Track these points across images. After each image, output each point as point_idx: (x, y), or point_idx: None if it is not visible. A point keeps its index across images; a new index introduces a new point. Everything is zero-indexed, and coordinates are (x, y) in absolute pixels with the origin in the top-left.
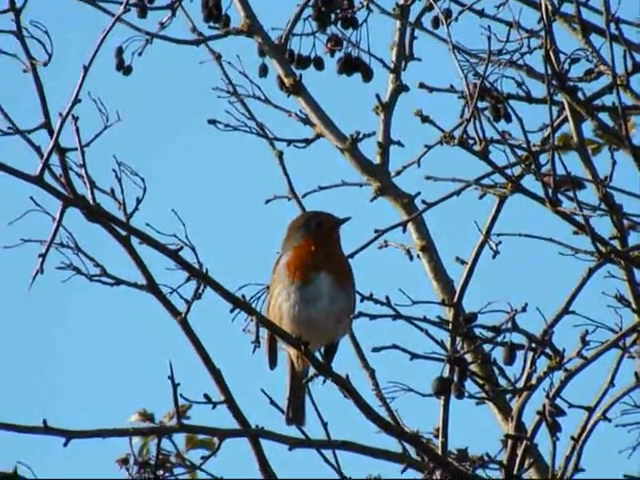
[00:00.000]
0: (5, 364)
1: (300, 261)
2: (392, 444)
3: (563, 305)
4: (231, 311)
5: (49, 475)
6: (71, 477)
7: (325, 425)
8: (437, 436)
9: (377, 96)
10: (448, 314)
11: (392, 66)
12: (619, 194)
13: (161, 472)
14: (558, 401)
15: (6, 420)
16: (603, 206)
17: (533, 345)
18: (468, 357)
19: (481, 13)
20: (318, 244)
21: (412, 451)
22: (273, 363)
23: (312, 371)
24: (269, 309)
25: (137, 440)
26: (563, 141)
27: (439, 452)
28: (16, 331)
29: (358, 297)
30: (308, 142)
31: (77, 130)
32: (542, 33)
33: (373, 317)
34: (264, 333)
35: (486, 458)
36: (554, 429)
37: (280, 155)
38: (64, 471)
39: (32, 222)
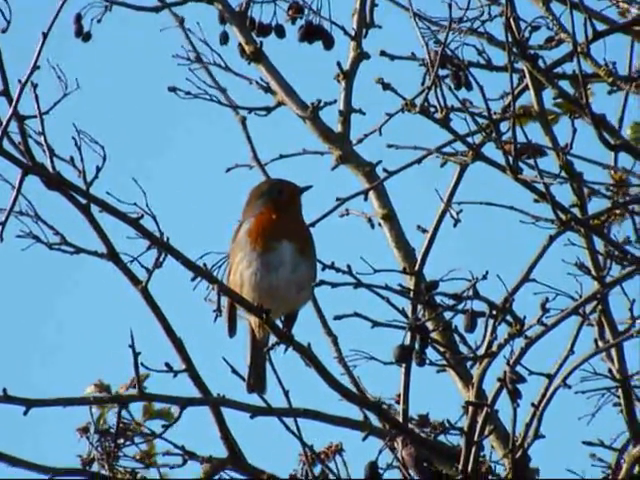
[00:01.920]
0: None
1: (262, 229)
2: (354, 412)
3: (524, 273)
4: (192, 280)
5: (9, 444)
6: (31, 446)
7: (287, 393)
8: (398, 402)
9: (338, 64)
10: (409, 282)
11: (353, 34)
12: (579, 162)
13: (121, 440)
14: (518, 368)
15: None
16: (563, 174)
17: (494, 312)
18: (429, 325)
19: None
20: (280, 212)
21: (374, 419)
22: (232, 331)
23: (273, 339)
24: (229, 277)
25: (94, 410)
26: (523, 110)
27: (400, 419)
28: None
29: (320, 265)
30: (269, 110)
31: (36, 97)
32: (503, 0)
33: (334, 285)
34: (225, 301)
35: (447, 425)
36: (514, 396)
37: (243, 121)
38: (24, 440)
39: None
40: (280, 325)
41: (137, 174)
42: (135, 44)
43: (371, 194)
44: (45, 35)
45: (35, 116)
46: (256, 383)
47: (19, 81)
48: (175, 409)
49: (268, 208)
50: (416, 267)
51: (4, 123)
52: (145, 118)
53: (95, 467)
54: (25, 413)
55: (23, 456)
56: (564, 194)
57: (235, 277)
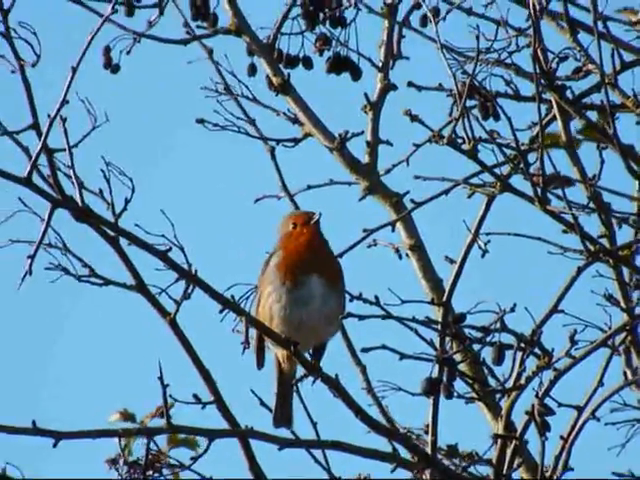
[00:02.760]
0: None
1: (290, 263)
2: (382, 444)
3: (552, 304)
4: (220, 311)
5: (38, 476)
6: (60, 478)
7: (315, 425)
8: (427, 432)
9: (365, 95)
10: (437, 313)
11: (380, 65)
12: (607, 193)
13: (150, 472)
14: (547, 400)
15: None
16: (592, 205)
17: (522, 345)
18: (457, 357)
19: (469, 11)
20: (300, 244)
21: (402, 450)
22: (261, 363)
23: (301, 371)
24: (258, 309)
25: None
26: (551, 140)
27: (429, 450)
28: (3, 332)
29: (347, 297)
30: (297, 141)
31: (65, 131)
32: (530, 31)
33: (362, 317)
34: (254, 333)
35: (476, 457)
36: (543, 429)
37: (272, 151)
38: (53, 472)
39: (20, 223)
40: (308, 357)
41: (165, 205)
42: (164, 76)
43: (399, 225)
44: (74, 69)
45: (64, 149)
46: (283, 417)
47: (48, 115)
48: (201, 438)
49: (289, 241)
50: (444, 298)
51: (34, 157)
52: (173, 150)
53: None
54: (54, 445)
55: None
56: (592, 225)
57: (264, 310)
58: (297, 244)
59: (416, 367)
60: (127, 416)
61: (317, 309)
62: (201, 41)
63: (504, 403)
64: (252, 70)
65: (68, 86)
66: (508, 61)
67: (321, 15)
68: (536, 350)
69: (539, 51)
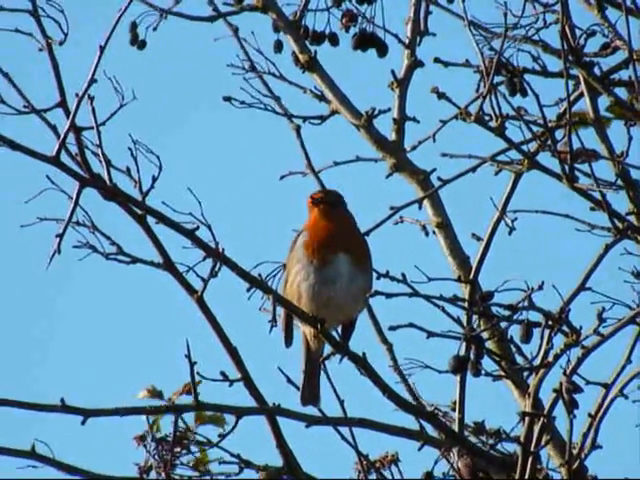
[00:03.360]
0: (21, 343)
1: (317, 242)
2: (409, 421)
3: (580, 282)
4: (248, 290)
5: (67, 453)
6: (88, 455)
7: (342, 403)
8: (455, 409)
9: (392, 72)
10: (464, 291)
11: (407, 41)
12: (635, 170)
13: (178, 449)
14: (575, 378)
15: (22, 398)
16: (619, 182)
17: (550, 322)
18: (485, 335)
19: None
20: (323, 222)
21: (429, 428)
22: (289, 341)
23: (328, 349)
24: (286, 287)
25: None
26: (579, 117)
27: (456, 428)
28: (34, 310)
29: (375, 274)
30: (323, 119)
31: (93, 110)
32: (558, 7)
33: (389, 295)
34: (281, 311)
35: (503, 434)
36: (571, 406)
37: (298, 129)
38: (81, 448)
39: (49, 201)
40: (336, 335)
41: (192, 183)
42: (190, 53)
43: (425, 202)
44: (102, 48)
45: (92, 127)
46: (310, 395)
47: (76, 95)
48: (229, 416)
49: (313, 220)
50: (471, 275)
51: (62, 135)
52: (200, 127)
53: (152, 475)
54: (83, 423)
55: (81, 465)
56: (620, 202)
57: (292, 288)
58: (320, 225)
59: (443, 345)
60: (155, 393)
61: (344, 287)
62: (226, 19)
63: (532, 381)
64: (278, 47)
65: (96, 65)
66: (535, 37)
67: None
68: (564, 328)
69: (567, 27)
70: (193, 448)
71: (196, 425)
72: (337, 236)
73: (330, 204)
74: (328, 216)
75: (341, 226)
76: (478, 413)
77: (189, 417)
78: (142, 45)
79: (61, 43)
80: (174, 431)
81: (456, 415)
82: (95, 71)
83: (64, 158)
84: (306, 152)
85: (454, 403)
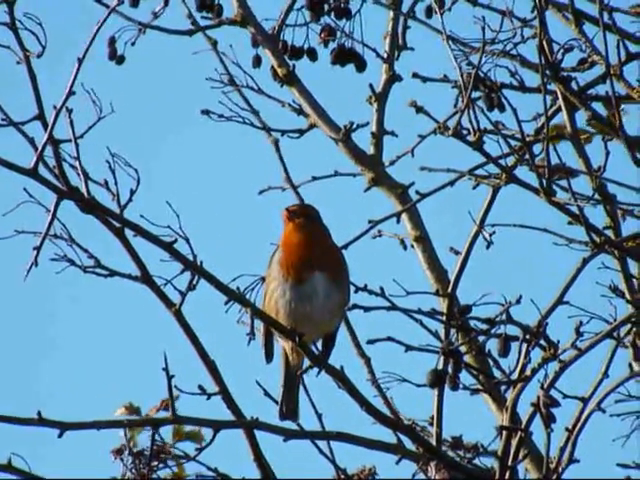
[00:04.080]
0: None
1: (291, 259)
2: (387, 435)
3: (557, 296)
4: (225, 303)
5: (43, 466)
6: (65, 468)
7: (320, 416)
8: (432, 424)
9: (370, 86)
10: (442, 304)
11: (385, 56)
12: (612, 184)
13: (155, 463)
14: (552, 392)
15: None
16: (597, 196)
17: (527, 337)
18: (463, 348)
19: (474, 2)
20: (298, 241)
21: (407, 441)
22: (269, 356)
23: (307, 363)
24: (265, 301)
25: (126, 431)
26: (556, 131)
27: (434, 442)
28: (9, 323)
29: (352, 288)
30: (302, 132)
31: (71, 122)
32: (535, 22)
33: (368, 309)
34: (259, 325)
35: (480, 448)
36: (548, 420)
37: (276, 143)
38: (58, 462)
39: (26, 213)
40: (315, 349)
41: (171, 197)
42: (169, 67)
43: (404, 216)
44: (80, 60)
45: (70, 140)
46: (289, 410)
47: (54, 107)
48: (206, 431)
49: (285, 236)
50: (449, 289)
51: (40, 148)
52: (179, 141)
53: None
54: (60, 436)
55: (58, 478)
56: (597, 216)
57: (270, 304)
58: (294, 240)
59: (421, 359)
60: (132, 410)
61: (320, 304)
62: (205, 33)
63: (509, 395)
64: (257, 61)
65: (74, 77)
66: (513, 52)
67: (326, 6)
68: (541, 342)
69: (544, 42)
70: (170, 462)
71: (174, 441)
72: (312, 252)
73: (305, 217)
74: (303, 230)
75: (316, 241)
76: (456, 427)
77: (167, 434)
78: (121, 60)
79: (39, 56)
80: (151, 445)
81: (434, 429)
82: (73, 83)
83: (42, 171)
84: (285, 166)
85: (432, 418)
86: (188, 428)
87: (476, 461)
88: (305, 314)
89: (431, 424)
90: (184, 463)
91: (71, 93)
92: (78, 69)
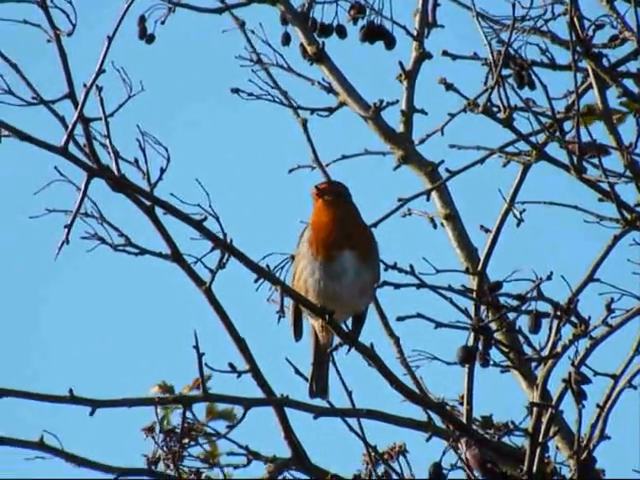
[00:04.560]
0: (31, 334)
1: (321, 237)
2: (417, 412)
3: (588, 273)
4: (255, 281)
5: (74, 444)
6: (96, 446)
7: (350, 394)
8: (462, 403)
9: (400, 64)
10: (472, 282)
11: (415, 33)
12: None
13: (186, 440)
14: (583, 369)
15: (31, 389)
16: (628, 173)
17: (558, 313)
18: (493, 325)
19: None
20: (328, 218)
21: (437, 419)
22: (298, 334)
23: (337, 340)
24: (294, 280)
25: (159, 410)
26: (588, 108)
27: (464, 420)
28: (41, 302)
29: (382, 266)
30: (331, 111)
31: (101, 100)
32: None
33: (397, 286)
34: (289, 303)
35: (511, 426)
36: (579, 397)
37: (304, 123)
38: (90, 440)
39: (57, 192)
40: (345, 328)
41: (200, 175)
42: (198, 46)
43: (433, 194)
44: (110, 38)
45: (100, 118)
46: (319, 388)
47: (84, 85)
48: (238, 410)
49: (315, 213)
50: (479, 267)
51: (70, 126)
52: (207, 120)
53: (161, 467)
54: (91, 414)
55: (89, 456)
56: (629, 193)
57: (299, 283)
58: (323, 218)
59: (451, 339)
60: (166, 389)
61: (350, 282)
62: (232, 12)
63: (540, 372)
64: (286, 39)
65: (104, 55)
66: (544, 29)
67: None
68: (572, 318)
69: (575, 19)
70: (201, 440)
71: (207, 420)
72: (340, 231)
73: (334, 195)
74: (332, 208)
75: (345, 219)
76: (486, 407)
77: (200, 412)
78: (151, 39)
79: (69, 34)
80: (182, 422)
81: (464, 407)
82: (103, 62)
83: (72, 149)
84: (313, 146)
85: (461, 397)
86: (221, 407)
87: (506, 440)
88: (334, 293)
89: (461, 403)
90: (215, 441)
91: (101, 71)
92: (108, 47)
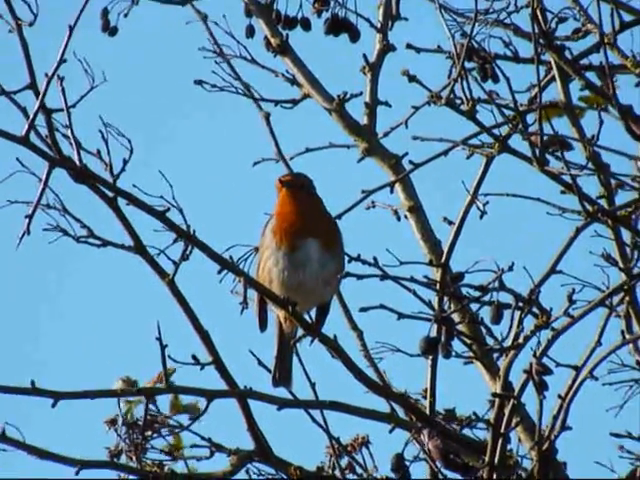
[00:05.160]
0: None
1: (284, 227)
2: (380, 404)
3: (550, 264)
4: (219, 272)
5: (36, 436)
6: (58, 438)
7: (313, 385)
8: (425, 397)
9: (364, 56)
10: (436, 274)
11: (379, 26)
12: (606, 153)
13: (149, 433)
14: (545, 360)
15: None
16: (590, 165)
17: (520, 304)
18: (455, 317)
19: None
20: (291, 209)
21: (400, 411)
22: (263, 325)
23: (300, 332)
24: (258, 271)
25: (122, 404)
26: (550, 102)
27: (427, 412)
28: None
29: (346, 258)
30: (295, 103)
31: (63, 91)
32: None
33: (360, 277)
34: (253, 295)
35: (473, 417)
36: (541, 388)
37: (267, 117)
38: (51, 432)
39: (18, 183)
40: (308, 318)
41: (163, 167)
42: (161, 38)
43: (397, 186)
44: (72, 28)
45: (62, 109)
46: (282, 377)
47: (46, 75)
48: (202, 403)
49: (279, 204)
50: (442, 259)
51: (31, 116)
52: (170, 111)
53: (123, 459)
54: (53, 405)
55: (51, 448)
56: (591, 186)
57: (264, 273)
58: (287, 208)
59: (414, 331)
60: (129, 383)
61: (314, 272)
62: (194, 5)
63: (502, 362)
64: (250, 31)
65: (65, 45)
66: (507, 22)
67: None
68: (534, 309)
69: (538, 11)
70: (164, 432)
71: (172, 414)
72: (305, 220)
73: (297, 187)
74: (296, 199)
75: (309, 209)
76: (449, 399)
77: (164, 406)
78: (114, 32)
79: (31, 24)
80: (145, 415)
81: (427, 399)
82: (64, 51)
83: (34, 140)
84: (276, 140)
85: (425, 391)
86: (185, 401)
87: (469, 432)
88: (298, 282)
89: (424, 397)
90: (178, 433)
91: (62, 61)
92: (69, 37)
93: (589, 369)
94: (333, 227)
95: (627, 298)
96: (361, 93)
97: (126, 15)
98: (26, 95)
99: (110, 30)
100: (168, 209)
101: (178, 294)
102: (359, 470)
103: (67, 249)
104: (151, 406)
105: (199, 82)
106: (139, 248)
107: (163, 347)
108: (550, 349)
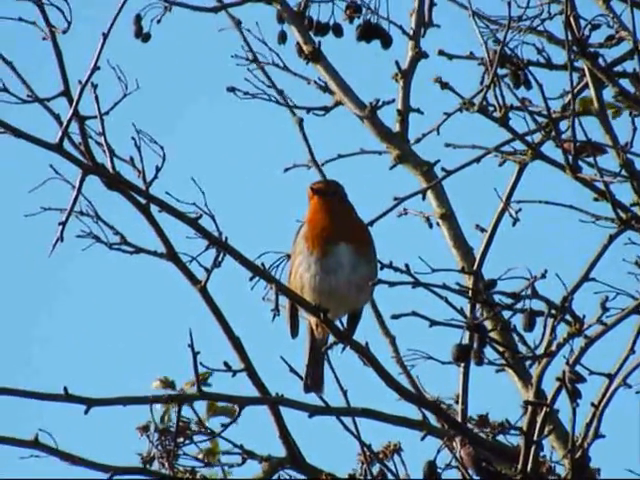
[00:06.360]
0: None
1: (316, 232)
2: (412, 411)
3: (583, 272)
4: (250, 279)
5: (70, 443)
6: (91, 445)
7: (345, 393)
8: (457, 402)
9: (396, 63)
10: (468, 282)
11: (411, 33)
12: None
13: (181, 439)
14: (578, 368)
15: (28, 387)
16: (624, 172)
17: (553, 312)
18: (488, 324)
19: None
20: (323, 214)
21: (432, 418)
22: (294, 332)
23: (332, 339)
24: (290, 278)
25: (159, 408)
26: (583, 106)
27: (459, 419)
28: (36, 300)
29: (378, 265)
30: (327, 110)
31: (96, 98)
32: None
33: (392, 284)
34: (284, 301)
35: (506, 424)
36: (574, 396)
37: (300, 122)
38: (84, 439)
39: (52, 190)
40: (340, 325)
41: (196, 174)
42: (194, 44)
43: (429, 193)
44: (105, 36)
45: (95, 116)
46: (313, 383)
47: (79, 82)
48: (236, 407)
49: (311, 211)
50: (474, 266)
51: (65, 124)
52: (204, 118)
53: (155, 466)
54: (86, 412)
55: (84, 454)
56: (624, 193)
57: (295, 279)
58: (319, 215)
59: (446, 339)
60: (167, 384)
61: (346, 277)
62: (227, 11)
63: (534, 370)
64: (282, 38)
65: (99, 52)
66: (540, 28)
67: None
68: (567, 317)
69: (571, 18)
70: (197, 438)
71: (208, 416)
72: (336, 226)
73: (329, 194)
74: (327, 206)
75: (341, 215)
76: (481, 406)
77: (201, 408)
78: (146, 38)
79: (65, 32)
80: (177, 421)
81: (459, 406)
82: (98, 59)
83: (68, 147)
84: (309, 145)
85: (457, 396)
86: (222, 404)
87: (501, 439)
88: (330, 287)
89: (457, 402)
90: (209, 439)
91: (96, 68)
92: (103, 44)
93: (622, 377)
94: (365, 232)
95: None
96: (393, 100)
97: (159, 21)
98: (59, 102)
99: (143, 36)
100: (200, 216)
101: (210, 301)
102: (391, 477)
103: (100, 256)
104: (188, 409)
105: (232, 89)
106: (171, 255)
107: (195, 354)
108: (583, 357)
